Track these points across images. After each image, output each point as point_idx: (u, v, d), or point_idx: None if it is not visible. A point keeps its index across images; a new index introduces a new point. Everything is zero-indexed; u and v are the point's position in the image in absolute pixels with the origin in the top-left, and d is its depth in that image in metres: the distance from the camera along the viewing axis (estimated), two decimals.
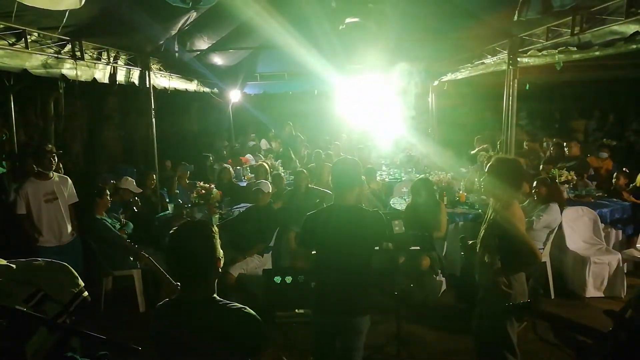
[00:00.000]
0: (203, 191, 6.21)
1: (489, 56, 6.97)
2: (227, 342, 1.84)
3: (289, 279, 2.89)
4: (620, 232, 6.13)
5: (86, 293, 1.63)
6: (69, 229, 4.88)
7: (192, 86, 8.88)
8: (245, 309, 1.90)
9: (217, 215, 6.06)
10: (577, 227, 5.74)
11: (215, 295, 1.95)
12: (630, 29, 3.79)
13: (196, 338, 1.85)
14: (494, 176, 3.13)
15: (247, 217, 5.78)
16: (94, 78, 5.64)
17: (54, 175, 4.81)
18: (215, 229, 1.99)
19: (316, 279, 3.05)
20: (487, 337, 3.27)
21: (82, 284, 1.64)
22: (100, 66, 5.76)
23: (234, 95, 11.08)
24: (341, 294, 2.94)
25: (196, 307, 1.91)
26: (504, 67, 6.37)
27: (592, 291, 5.38)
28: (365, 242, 2.98)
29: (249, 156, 10.39)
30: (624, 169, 6.89)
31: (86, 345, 1.54)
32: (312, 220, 3.07)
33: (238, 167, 9.08)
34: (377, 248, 3.42)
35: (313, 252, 3.09)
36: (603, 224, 5.86)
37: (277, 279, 2.91)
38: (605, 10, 4.13)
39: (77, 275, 1.66)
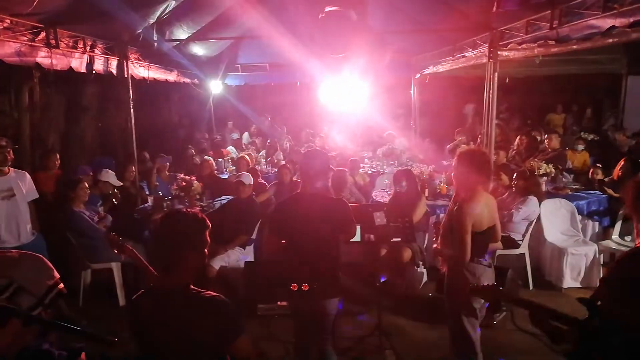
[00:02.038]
0: (184, 183, 6.14)
1: (470, 49, 7.01)
2: (202, 330, 1.87)
3: (305, 287, 2.96)
4: (596, 223, 6.24)
5: (62, 285, 1.59)
6: (29, 227, 4.56)
7: (171, 76, 8.72)
8: (218, 296, 1.93)
9: (198, 208, 6.00)
10: (555, 219, 5.84)
11: (190, 285, 1.97)
12: (606, 23, 3.83)
13: (171, 327, 1.88)
14: (460, 167, 3.22)
15: (229, 210, 5.74)
16: (71, 67, 5.50)
17: (10, 171, 4.49)
18: (204, 218, 2.01)
19: (287, 264, 3.16)
20: (450, 324, 3.37)
21: (58, 276, 1.61)
22: (77, 55, 5.60)
23: (215, 87, 10.95)
24: (309, 277, 3.04)
25: (170, 296, 1.93)
26: (485, 60, 6.41)
27: (570, 282, 5.49)
28: (329, 225, 3.12)
29: (230, 148, 10.31)
30: (597, 164, 7.01)
31: (62, 337, 1.51)
32: (281, 208, 3.32)
33: (219, 160, 9.01)
34: (358, 240, 3.51)
35: (283, 241, 3.22)
36: (580, 216, 5.98)
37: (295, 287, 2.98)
38: (583, 4, 4.18)
39: (52, 267, 1.63)
